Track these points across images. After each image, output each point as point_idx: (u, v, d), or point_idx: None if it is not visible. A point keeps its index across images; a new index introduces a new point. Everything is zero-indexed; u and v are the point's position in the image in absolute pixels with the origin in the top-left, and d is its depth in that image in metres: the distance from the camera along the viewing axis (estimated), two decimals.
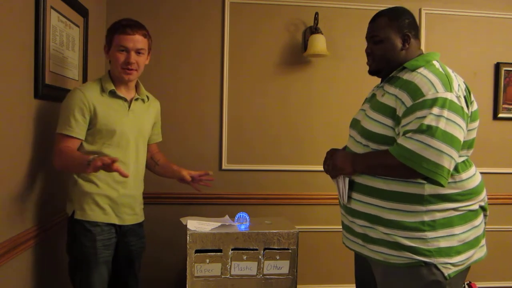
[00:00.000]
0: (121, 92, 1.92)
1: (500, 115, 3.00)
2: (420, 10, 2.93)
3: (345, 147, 1.78)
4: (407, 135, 1.45)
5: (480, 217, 1.59)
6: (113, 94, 1.89)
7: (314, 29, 2.78)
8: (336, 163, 1.66)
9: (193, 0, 2.79)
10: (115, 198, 1.89)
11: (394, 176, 1.52)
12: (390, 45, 1.62)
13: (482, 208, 1.61)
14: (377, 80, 1.75)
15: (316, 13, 2.78)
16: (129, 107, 1.93)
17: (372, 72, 1.72)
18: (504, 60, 3.00)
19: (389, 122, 1.53)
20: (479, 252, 1.59)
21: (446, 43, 2.92)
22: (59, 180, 2.04)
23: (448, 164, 1.42)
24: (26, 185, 1.77)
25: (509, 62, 3.00)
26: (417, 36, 1.66)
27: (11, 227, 1.66)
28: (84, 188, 1.85)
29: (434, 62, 1.57)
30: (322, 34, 2.75)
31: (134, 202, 1.98)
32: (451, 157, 1.42)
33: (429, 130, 1.41)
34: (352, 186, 1.63)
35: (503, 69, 2.99)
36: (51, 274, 2.03)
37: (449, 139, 1.41)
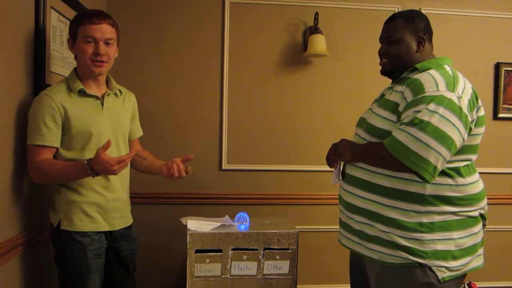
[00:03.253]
0: (91, 89, 1.77)
1: (500, 115, 3.00)
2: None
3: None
4: (400, 127, 1.47)
5: (479, 225, 1.59)
6: (82, 93, 1.74)
7: (314, 29, 2.78)
8: (338, 148, 1.70)
9: (193, 0, 2.79)
10: (104, 204, 1.79)
11: (386, 168, 1.53)
12: (406, 47, 1.64)
13: (482, 216, 1.60)
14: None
15: (316, 13, 2.78)
16: (102, 104, 1.79)
17: (385, 72, 1.73)
18: (504, 60, 3.00)
19: (393, 117, 1.56)
20: (476, 261, 1.59)
21: (446, 43, 2.92)
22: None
23: (435, 160, 1.42)
24: (24, 186, 1.76)
25: (509, 62, 3.00)
26: (431, 40, 1.68)
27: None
28: (70, 196, 1.74)
29: (445, 66, 1.59)
30: (322, 34, 2.74)
31: (123, 205, 1.89)
32: (439, 153, 1.42)
33: (420, 124, 1.42)
34: (354, 182, 1.64)
35: (503, 69, 2.99)
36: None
37: (440, 135, 1.41)
